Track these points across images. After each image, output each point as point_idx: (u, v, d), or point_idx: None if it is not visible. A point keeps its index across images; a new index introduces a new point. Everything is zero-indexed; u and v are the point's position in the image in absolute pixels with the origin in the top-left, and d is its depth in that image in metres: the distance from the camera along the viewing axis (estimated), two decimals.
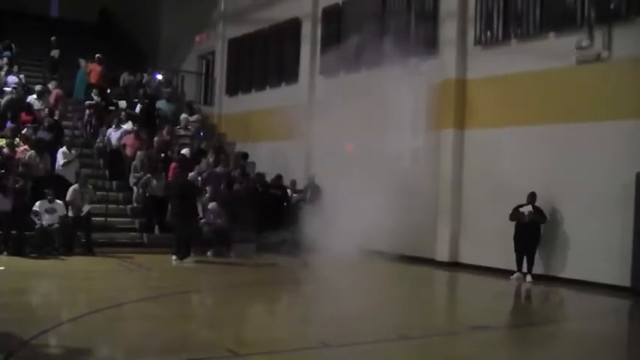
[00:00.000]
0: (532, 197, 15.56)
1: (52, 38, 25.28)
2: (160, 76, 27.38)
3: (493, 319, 11.37)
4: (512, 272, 15.76)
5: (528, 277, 15.44)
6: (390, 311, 11.88)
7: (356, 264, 17.05)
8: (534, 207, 15.51)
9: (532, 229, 15.57)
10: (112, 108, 22.78)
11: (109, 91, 23.86)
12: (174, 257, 16.45)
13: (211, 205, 18.20)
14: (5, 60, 23.15)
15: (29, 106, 21.05)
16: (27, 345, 8.10)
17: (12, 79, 22.24)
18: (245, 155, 22.98)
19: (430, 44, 18.59)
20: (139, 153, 19.72)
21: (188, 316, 11.13)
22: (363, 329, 10.18)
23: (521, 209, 15.61)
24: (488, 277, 16.14)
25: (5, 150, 17.70)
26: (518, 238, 15.69)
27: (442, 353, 9.24)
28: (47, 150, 18.16)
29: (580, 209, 15.14)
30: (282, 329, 10.23)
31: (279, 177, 20.55)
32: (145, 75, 25.43)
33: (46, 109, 20.91)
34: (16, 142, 18.16)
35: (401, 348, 9.31)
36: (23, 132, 18.93)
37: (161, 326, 10.23)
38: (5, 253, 15.45)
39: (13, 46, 25.10)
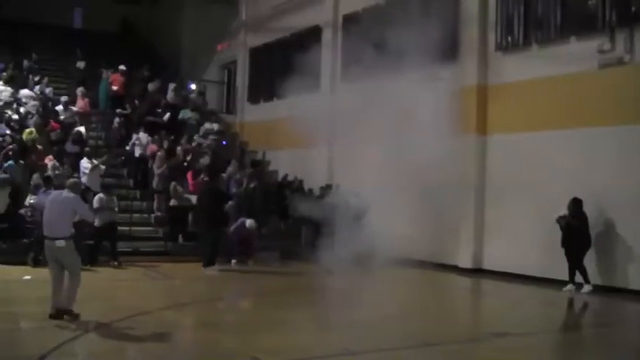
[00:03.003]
0: (571, 203, 14.96)
1: (78, 51, 25.49)
2: (194, 86, 27.60)
3: (517, 327, 11.33)
4: (537, 279, 15.66)
5: (586, 287, 14.72)
6: (414, 318, 11.88)
7: (378, 271, 17.05)
8: (574, 212, 14.90)
9: (574, 236, 14.87)
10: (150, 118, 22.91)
11: (136, 102, 24.11)
12: (207, 267, 16.44)
13: (249, 222, 18.27)
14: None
15: (57, 114, 21.34)
16: (51, 354, 8.19)
17: (25, 92, 22.35)
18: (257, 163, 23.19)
19: (451, 50, 18.58)
20: (162, 162, 19.85)
21: (213, 323, 11.16)
22: (386, 336, 10.21)
23: (561, 215, 15.10)
24: (514, 283, 16.03)
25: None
26: (563, 245, 15.05)
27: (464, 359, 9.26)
28: (72, 162, 18.35)
29: (621, 214, 14.81)
30: (307, 336, 10.25)
31: (328, 187, 19.76)
32: (170, 85, 25.58)
33: (76, 118, 21.20)
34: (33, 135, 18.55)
35: (424, 354, 9.34)
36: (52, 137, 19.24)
37: (186, 334, 10.37)
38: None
39: (34, 56, 25.43)
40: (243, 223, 18.08)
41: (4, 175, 16.17)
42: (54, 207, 10.38)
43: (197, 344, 9.62)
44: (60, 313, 10.03)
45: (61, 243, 10.11)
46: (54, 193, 11.24)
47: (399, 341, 9.85)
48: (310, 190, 21.23)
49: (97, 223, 16.24)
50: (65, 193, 10.54)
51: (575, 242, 14.83)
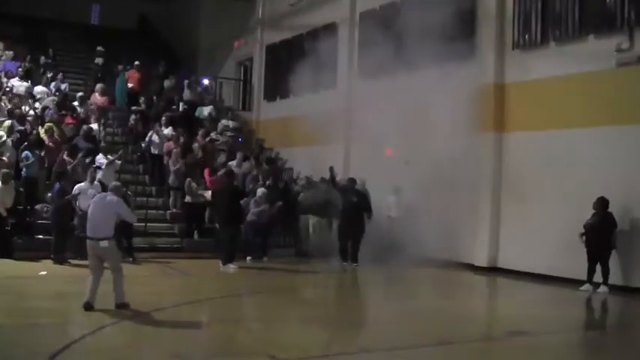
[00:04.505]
0: (597, 202, 14.76)
1: (98, 48, 25.59)
2: (206, 81, 27.65)
3: (534, 325, 11.26)
4: (553, 278, 15.58)
5: (602, 288, 14.54)
6: (429, 317, 11.78)
7: (392, 268, 17.03)
8: (599, 212, 14.71)
9: (597, 236, 14.65)
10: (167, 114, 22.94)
11: (154, 98, 24.19)
12: (225, 264, 16.40)
13: (259, 191, 18.27)
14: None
15: (74, 109, 21.43)
16: (68, 349, 8.25)
17: (39, 88, 22.48)
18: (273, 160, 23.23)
19: (468, 48, 18.49)
20: (178, 158, 19.90)
21: (228, 320, 11.15)
22: (401, 334, 10.18)
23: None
24: (530, 282, 15.94)
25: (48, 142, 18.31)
26: (587, 245, 14.82)
27: (480, 358, 9.22)
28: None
29: None
30: (322, 333, 10.22)
31: (352, 181, 18.81)
32: (186, 81, 25.64)
33: (92, 116, 21.34)
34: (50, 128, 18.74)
35: (440, 354, 9.32)
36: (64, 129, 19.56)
37: (202, 331, 10.37)
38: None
39: (50, 52, 25.56)
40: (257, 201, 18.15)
41: (5, 170, 16.22)
42: (97, 208, 10.84)
43: (212, 341, 9.62)
44: (89, 304, 10.43)
45: (104, 244, 10.62)
46: (98, 195, 11.69)
47: (414, 340, 9.81)
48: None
49: None
50: (109, 195, 11.04)
51: (599, 243, 14.61)
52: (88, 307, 10.42)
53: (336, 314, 12.34)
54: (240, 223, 17.31)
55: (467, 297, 14.78)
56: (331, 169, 19.76)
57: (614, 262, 14.70)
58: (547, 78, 16.67)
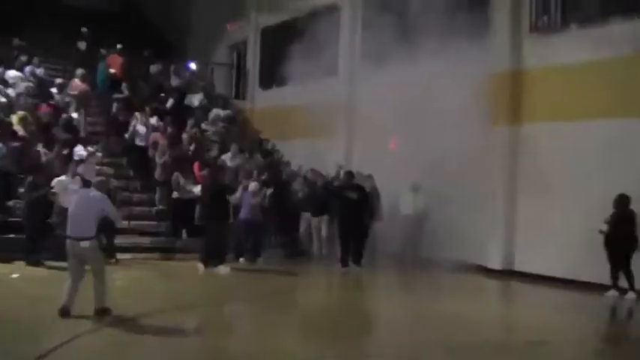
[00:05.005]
0: (616, 199, 14.54)
1: (83, 29, 25.36)
2: (193, 66, 27.46)
3: (555, 335, 11.09)
4: (575, 282, 15.41)
5: (630, 294, 14.23)
6: (437, 323, 11.65)
7: (396, 270, 16.93)
8: (619, 210, 14.52)
9: (619, 236, 14.42)
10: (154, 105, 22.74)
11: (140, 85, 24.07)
12: (201, 265, 16.37)
13: (252, 185, 18.09)
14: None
15: (51, 96, 21.22)
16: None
17: (12, 73, 22.14)
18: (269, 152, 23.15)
19: (480, 31, 18.28)
20: (165, 151, 19.70)
21: (219, 328, 11.10)
22: (407, 342, 10.17)
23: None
24: (549, 287, 15.78)
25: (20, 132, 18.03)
26: (605, 246, 14.60)
27: None
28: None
29: None
30: (318, 341, 10.16)
31: (350, 175, 18.26)
32: (172, 66, 25.47)
33: (71, 102, 21.15)
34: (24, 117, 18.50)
35: None
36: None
37: (189, 339, 10.28)
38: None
39: (24, 34, 25.35)
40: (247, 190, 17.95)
41: None
42: (80, 205, 10.72)
43: (201, 351, 9.50)
44: (65, 310, 10.31)
45: (85, 244, 10.50)
46: (81, 191, 11.70)
47: (420, 347, 9.74)
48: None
49: None
50: (93, 191, 10.95)
51: (619, 243, 14.40)
52: (65, 312, 10.27)
53: (335, 321, 12.12)
54: (227, 220, 17.12)
55: (480, 303, 14.54)
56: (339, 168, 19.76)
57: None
58: (567, 64, 16.43)
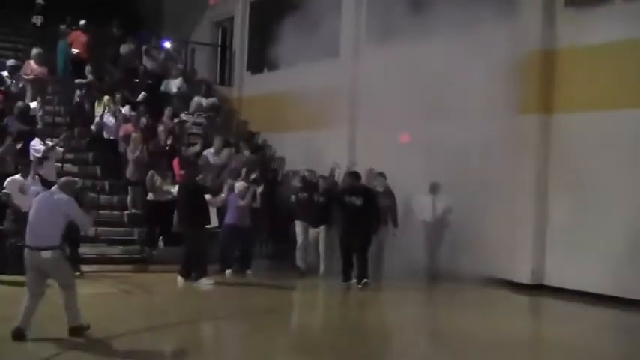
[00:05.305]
0: None
1: (39, 1, 25.28)
2: (168, 45, 27.39)
3: None
4: (617, 299, 15.34)
5: None
6: (454, 346, 11.69)
7: (407, 285, 16.88)
8: None
9: None
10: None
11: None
12: (180, 278, 16.39)
13: (239, 186, 18.08)
14: None
15: (2, 80, 21.13)
16: None
17: None
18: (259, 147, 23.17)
19: (507, 5, 18.24)
20: (139, 145, 19.64)
21: (200, 351, 11.14)
22: None
23: None
24: (585, 304, 15.73)
25: None
26: None
27: None
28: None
29: None
30: None
31: (353, 176, 18.07)
32: (144, 47, 25.40)
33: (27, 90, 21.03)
34: None
35: None
36: None
37: None
38: None
39: None
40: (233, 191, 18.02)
41: None
42: (42, 210, 10.66)
43: None
44: (20, 331, 10.24)
45: (46, 254, 10.42)
46: (42, 194, 11.47)
47: None
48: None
49: None
50: (58, 194, 10.81)
51: None
52: (19, 334, 10.20)
53: (335, 343, 12.06)
54: (204, 226, 17.13)
55: (506, 322, 14.51)
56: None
57: None
58: (609, 43, 16.39)
